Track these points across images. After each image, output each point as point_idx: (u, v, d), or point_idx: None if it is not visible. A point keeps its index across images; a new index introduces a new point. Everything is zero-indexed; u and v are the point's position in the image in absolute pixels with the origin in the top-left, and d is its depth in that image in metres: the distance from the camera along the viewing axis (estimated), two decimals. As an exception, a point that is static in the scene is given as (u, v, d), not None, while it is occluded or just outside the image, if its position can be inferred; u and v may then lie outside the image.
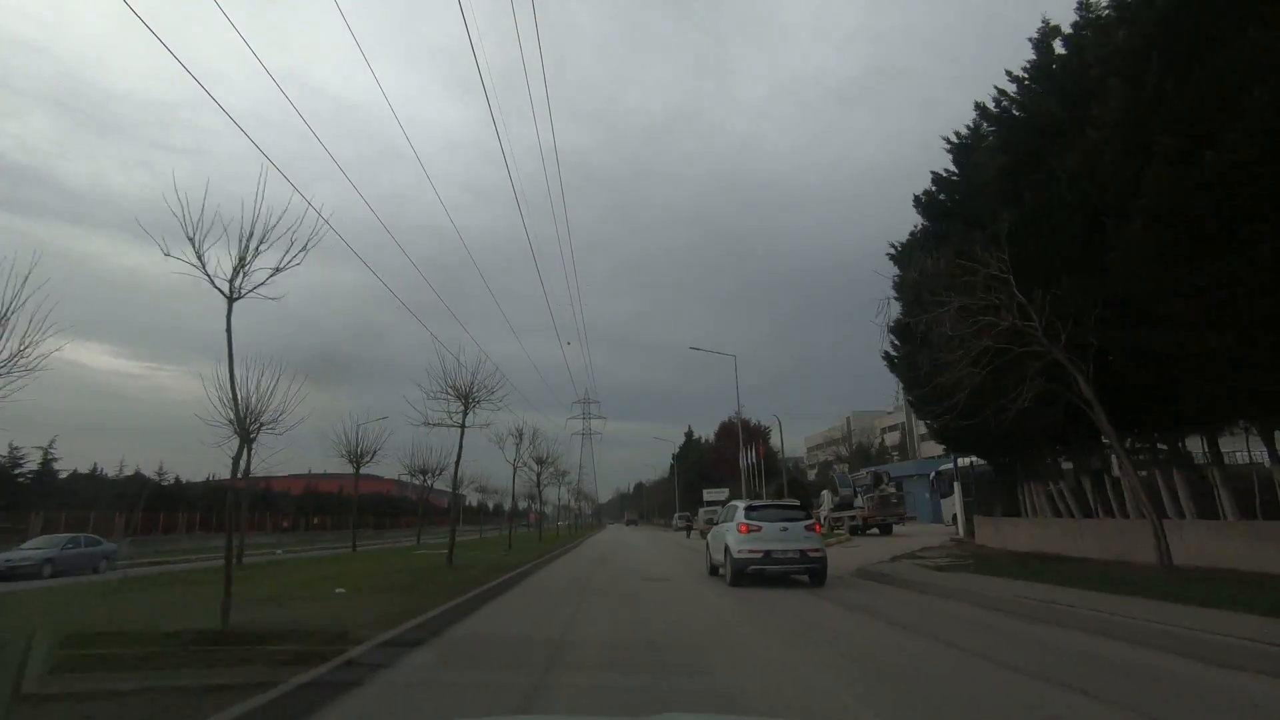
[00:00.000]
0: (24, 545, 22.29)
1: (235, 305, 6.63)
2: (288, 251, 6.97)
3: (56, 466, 45.47)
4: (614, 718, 4.16)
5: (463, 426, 14.54)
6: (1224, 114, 8.48)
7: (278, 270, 6.96)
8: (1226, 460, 12.52)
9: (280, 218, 7.04)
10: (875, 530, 28.83)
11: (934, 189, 17.76)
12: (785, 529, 12.03)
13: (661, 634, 7.83)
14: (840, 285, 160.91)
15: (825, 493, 33.83)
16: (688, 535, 44.07)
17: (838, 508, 30.81)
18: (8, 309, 6.67)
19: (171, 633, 5.84)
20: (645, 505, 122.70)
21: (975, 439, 16.02)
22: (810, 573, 12.20)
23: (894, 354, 18.66)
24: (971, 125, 17.78)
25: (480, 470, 46.95)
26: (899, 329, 17.75)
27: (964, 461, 21.84)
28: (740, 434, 40.67)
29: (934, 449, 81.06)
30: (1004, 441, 15.01)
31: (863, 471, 32.65)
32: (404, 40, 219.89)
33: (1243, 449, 14.50)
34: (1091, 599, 8.36)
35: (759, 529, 12.02)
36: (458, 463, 14.80)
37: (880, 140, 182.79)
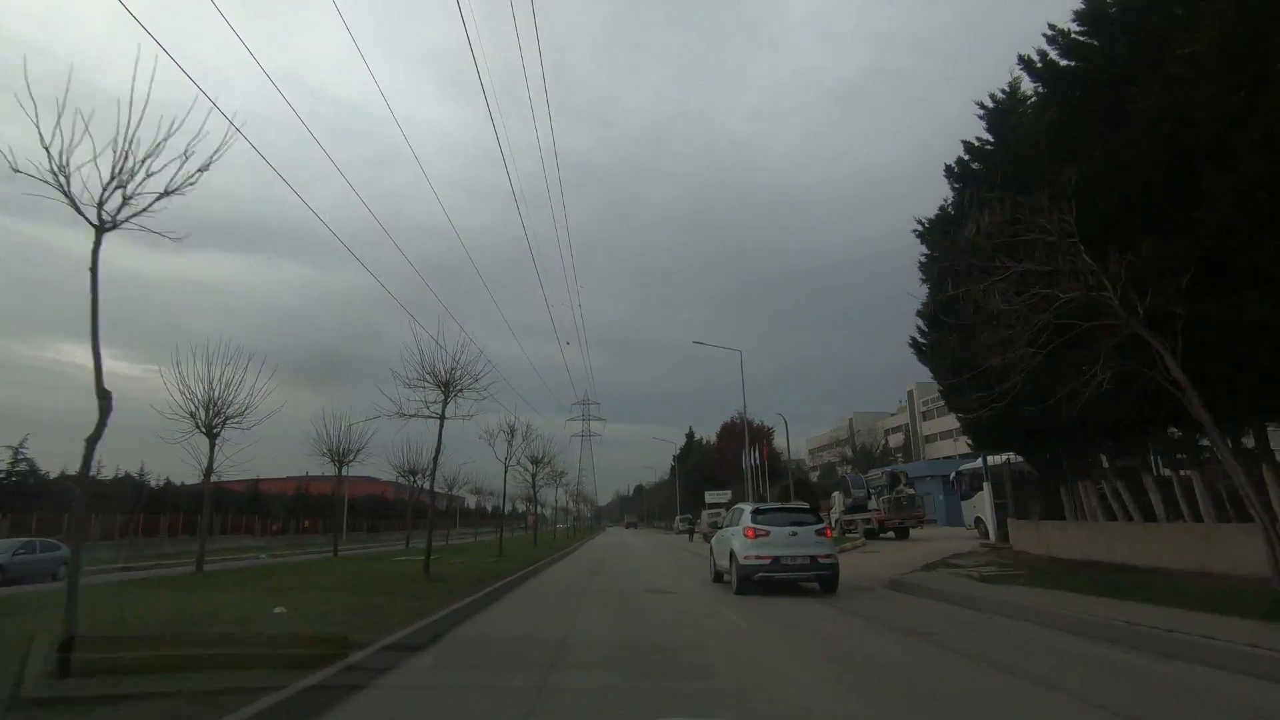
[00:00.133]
0: (-27, 550, 20.57)
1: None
2: (182, 168, 5.28)
3: (43, 467, 43.97)
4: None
5: (441, 417, 12.85)
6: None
7: (168, 193, 5.27)
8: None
9: (179, 123, 5.36)
10: (890, 534, 27.11)
11: (967, 158, 16.08)
12: (795, 533, 11.34)
13: (674, 669, 6.12)
14: (840, 285, 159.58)
15: (836, 494, 32.10)
16: (690, 539, 42.33)
17: (850, 510, 29.09)
18: None
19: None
20: (645, 508, 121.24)
21: (1018, 433, 14.30)
22: (821, 580, 11.44)
23: (922, 341, 16.96)
24: (1006, 90, 16.14)
25: (477, 471, 45.15)
26: (931, 311, 16.05)
27: (992, 460, 20.11)
28: (745, 432, 38.91)
29: (940, 449, 79.58)
30: (1056, 434, 13.30)
31: (877, 471, 30.91)
32: (403, 41, 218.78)
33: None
34: (1202, 623, 6.65)
35: (767, 533, 11.30)
36: (436, 458, 13.11)
37: (878, 140, 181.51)
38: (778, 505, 13.95)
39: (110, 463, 51.76)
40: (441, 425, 12.85)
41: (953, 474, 27.20)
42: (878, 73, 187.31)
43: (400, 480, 35.31)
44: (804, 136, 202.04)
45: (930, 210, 16.87)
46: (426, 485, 35.21)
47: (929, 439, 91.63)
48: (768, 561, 11.08)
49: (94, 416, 4.78)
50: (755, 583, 11.26)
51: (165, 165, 5.18)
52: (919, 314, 17.04)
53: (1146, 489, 12.78)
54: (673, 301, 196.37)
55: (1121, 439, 13.92)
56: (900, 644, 7.03)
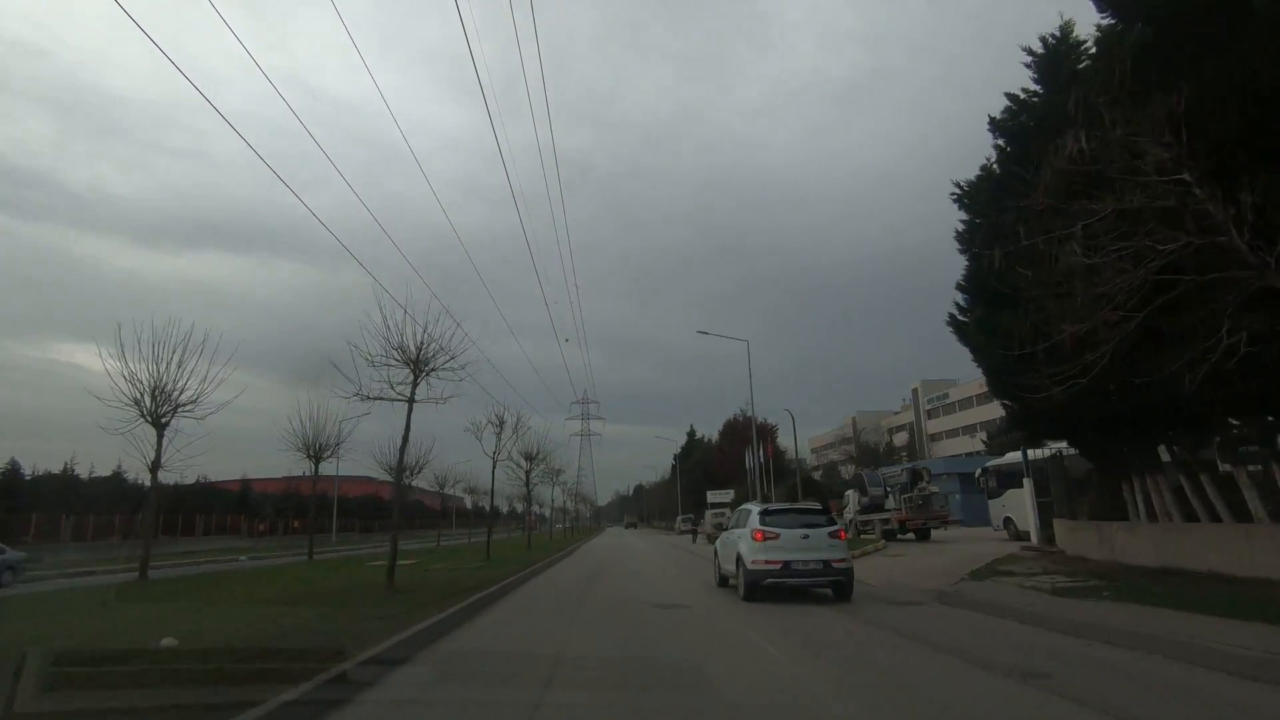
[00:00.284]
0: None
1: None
2: None
3: (40, 467, 42.53)
4: None
5: (410, 400, 10.92)
6: None
7: None
8: None
9: None
10: (910, 535, 25.19)
11: (1014, 109, 14.18)
12: (806, 536, 10.65)
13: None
14: (840, 284, 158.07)
15: (850, 493, 30.14)
16: (694, 540, 40.38)
17: (866, 510, 27.16)
18: None
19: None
20: (645, 507, 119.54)
21: (1089, 420, 12.37)
22: (835, 586, 10.76)
23: (962, 318, 15.04)
24: (1056, 35, 14.25)
25: (471, 469, 43.14)
26: (974, 283, 14.16)
27: (1032, 454, 18.18)
28: (753, 428, 37.03)
29: (946, 448, 77.76)
30: (1130, 421, 11.39)
31: (896, 468, 28.97)
32: (403, 42, 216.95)
33: None
34: None
35: (776, 536, 10.62)
36: (403, 449, 11.14)
37: (878, 139, 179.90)
38: (787, 505, 12.86)
39: (106, 462, 50.33)
40: (410, 410, 10.92)
41: (978, 471, 25.27)
42: (876, 72, 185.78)
43: (389, 478, 33.23)
44: (804, 135, 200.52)
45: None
46: (413, 482, 33.45)
47: (933, 437, 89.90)
48: (778, 566, 10.40)
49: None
50: (764, 589, 10.54)
51: None
52: (959, 287, 15.15)
53: (1239, 485, 10.85)
54: (672, 301, 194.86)
55: (1198, 427, 12.03)
56: (1016, 697, 5.08)
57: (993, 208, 13.56)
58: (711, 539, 25.62)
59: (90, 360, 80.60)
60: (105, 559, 29.57)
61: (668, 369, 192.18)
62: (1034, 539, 17.04)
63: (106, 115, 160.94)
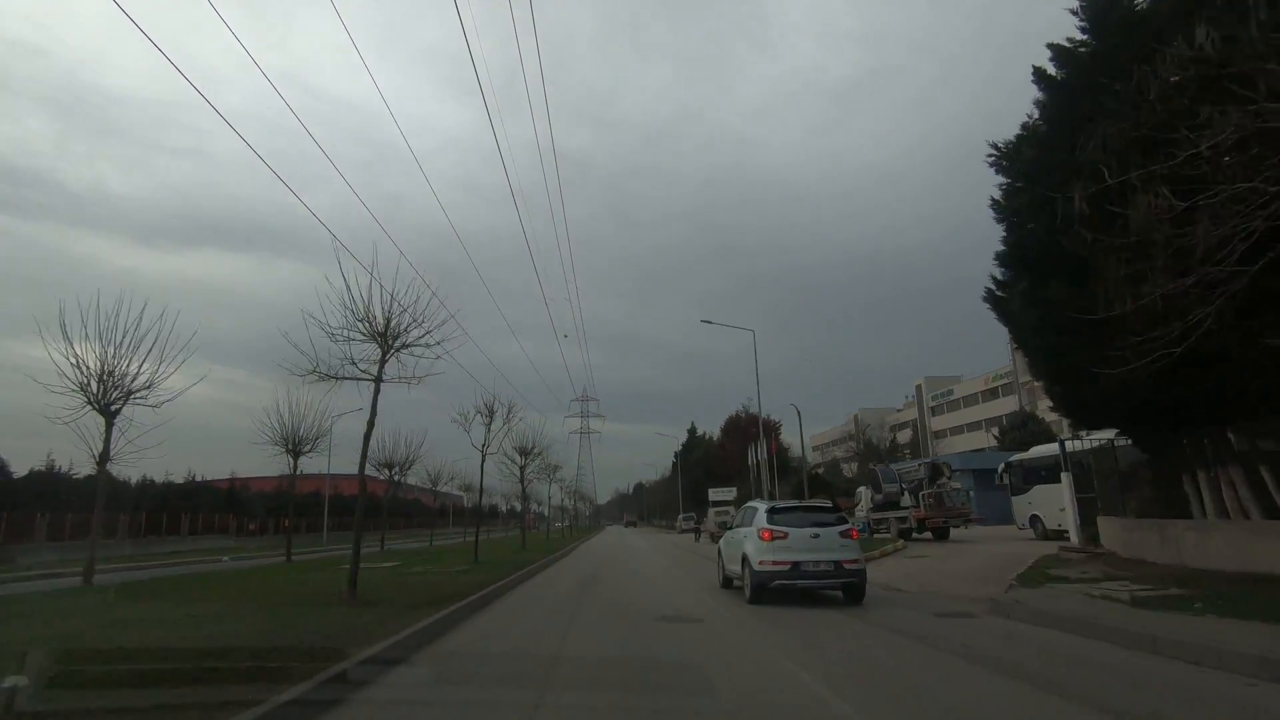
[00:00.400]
0: None
1: None
2: None
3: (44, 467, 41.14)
4: None
5: (378, 380, 9.43)
6: None
7: None
8: None
9: None
10: (928, 534, 23.70)
11: (1061, 59, 12.65)
12: (816, 535, 10.16)
13: None
14: (840, 283, 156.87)
15: (863, 489, 28.62)
16: (697, 538, 38.88)
17: (880, 507, 25.65)
18: None
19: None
20: (645, 506, 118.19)
21: (1160, 404, 10.85)
22: (847, 588, 10.29)
23: (1000, 294, 13.53)
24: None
25: (468, 466, 41.50)
26: (1016, 251, 12.67)
27: (1070, 445, 16.67)
28: (759, 422, 35.53)
29: (953, 445, 76.21)
30: (1216, 401, 9.88)
31: (914, 463, 27.43)
32: (402, 41, 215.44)
33: None
34: None
35: (784, 535, 10.12)
36: (368, 436, 9.61)
37: (877, 138, 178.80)
38: (796, 503, 12.01)
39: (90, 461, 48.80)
40: (377, 391, 9.42)
41: (1000, 466, 23.76)
42: (876, 72, 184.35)
43: (377, 474, 31.73)
44: (803, 135, 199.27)
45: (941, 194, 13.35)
46: (402, 479, 31.96)
47: (938, 434, 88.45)
48: (786, 567, 9.92)
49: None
50: (771, 591, 10.09)
51: None
52: (997, 258, 13.65)
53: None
54: (672, 299, 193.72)
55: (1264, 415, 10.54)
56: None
57: (1038, 166, 12.05)
58: (715, 538, 24.23)
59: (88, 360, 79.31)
60: (79, 559, 28.09)
61: (667, 368, 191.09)
62: (1074, 539, 15.56)
63: (106, 115, 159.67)
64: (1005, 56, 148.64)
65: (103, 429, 13.36)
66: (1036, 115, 13.17)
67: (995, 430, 57.20)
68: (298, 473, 23.10)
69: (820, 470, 76.82)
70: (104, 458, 13.54)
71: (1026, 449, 38.91)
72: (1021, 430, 43.71)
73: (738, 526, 11.95)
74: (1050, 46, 13.12)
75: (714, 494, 53.74)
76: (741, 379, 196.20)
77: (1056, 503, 20.76)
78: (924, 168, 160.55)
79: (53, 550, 33.36)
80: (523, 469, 25.61)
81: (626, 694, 4.96)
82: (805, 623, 8.66)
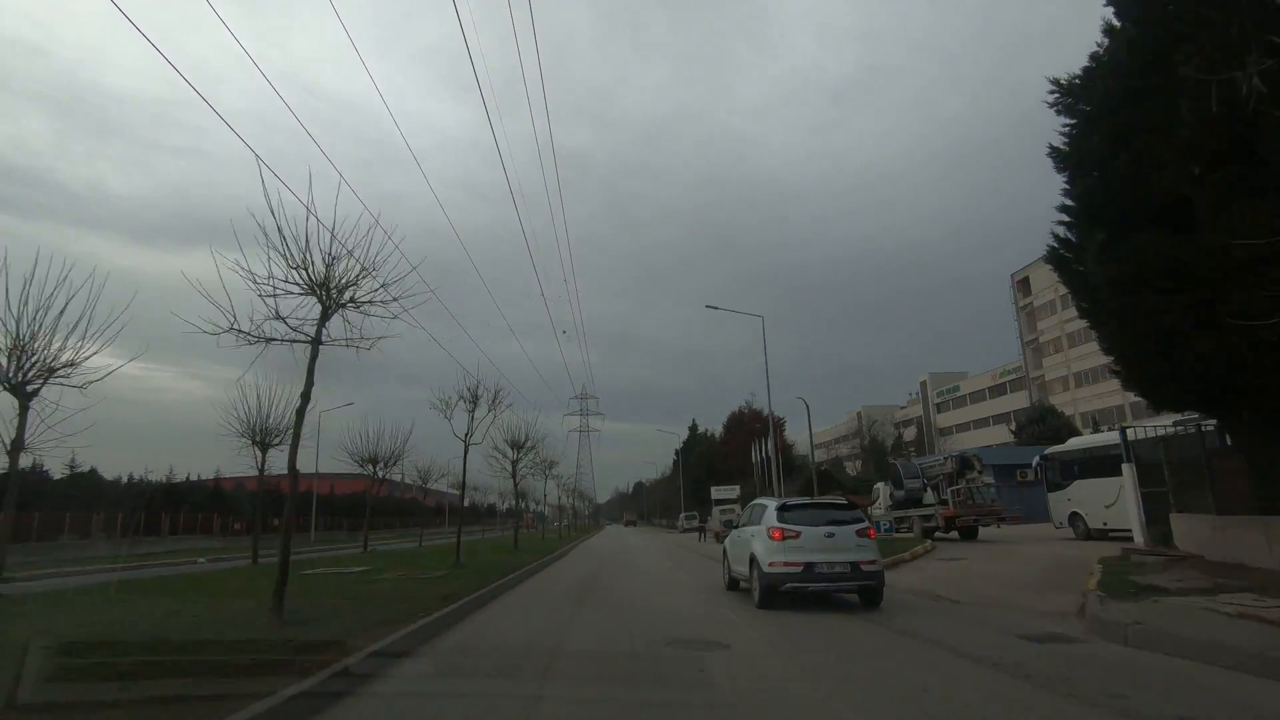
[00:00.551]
0: None
1: None
2: None
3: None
4: None
5: (316, 342, 7.49)
6: None
7: None
8: None
9: None
10: (954, 534, 21.79)
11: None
12: (831, 535, 9.52)
13: None
14: (840, 282, 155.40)
15: (881, 485, 26.69)
16: (701, 538, 36.94)
17: (900, 504, 23.72)
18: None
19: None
20: (645, 505, 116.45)
21: (1247, 378, 8.93)
22: (864, 591, 9.62)
23: (1064, 252, 11.63)
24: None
25: (461, 464, 39.49)
26: (1090, 200, 10.75)
27: (1131, 434, 14.73)
28: (770, 416, 33.62)
29: (961, 441, 74.36)
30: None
31: (939, 457, 25.48)
32: (401, 39, 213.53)
33: None
34: None
35: (796, 535, 9.51)
36: (301, 412, 7.59)
37: (877, 137, 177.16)
38: (808, 500, 11.37)
39: (103, 465, 47.35)
40: (315, 355, 7.48)
41: (1035, 460, 21.82)
42: (876, 70, 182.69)
43: (362, 471, 29.83)
44: (803, 133, 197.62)
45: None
46: (387, 475, 30.02)
47: (943, 431, 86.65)
48: (798, 569, 9.27)
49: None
50: (782, 594, 9.46)
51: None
52: (1063, 210, 11.75)
53: None
54: (671, 298, 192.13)
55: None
56: None
57: (1123, 96, 10.11)
58: (720, 538, 22.57)
59: (89, 360, 78.52)
60: (48, 561, 26.19)
61: (667, 366, 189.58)
62: (1139, 539, 13.64)
63: (105, 114, 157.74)
64: (1005, 56, 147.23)
65: (17, 410, 11.46)
66: (1107, 43, 11.29)
67: (1012, 425, 55.29)
68: (265, 468, 21.08)
69: (824, 468, 74.95)
70: (17, 445, 11.58)
71: (1046, 443, 37.00)
72: (1040, 424, 41.81)
73: (744, 525, 11.24)
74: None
75: (716, 492, 51.97)
76: (742, 377, 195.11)
77: (1102, 498, 18.90)
78: (924, 167, 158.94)
79: (19, 553, 31.46)
80: (515, 463, 23.67)
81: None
82: (849, 646, 6.77)
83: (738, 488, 52.62)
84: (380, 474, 28.71)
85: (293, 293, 7.66)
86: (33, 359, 11.29)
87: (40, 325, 11.04)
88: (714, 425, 79.73)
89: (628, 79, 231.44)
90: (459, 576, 12.29)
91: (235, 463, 19.90)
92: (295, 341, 7.60)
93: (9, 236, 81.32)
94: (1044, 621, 8.03)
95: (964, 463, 21.30)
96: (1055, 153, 12.04)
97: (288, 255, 7.43)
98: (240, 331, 7.15)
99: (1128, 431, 14.01)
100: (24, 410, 11.49)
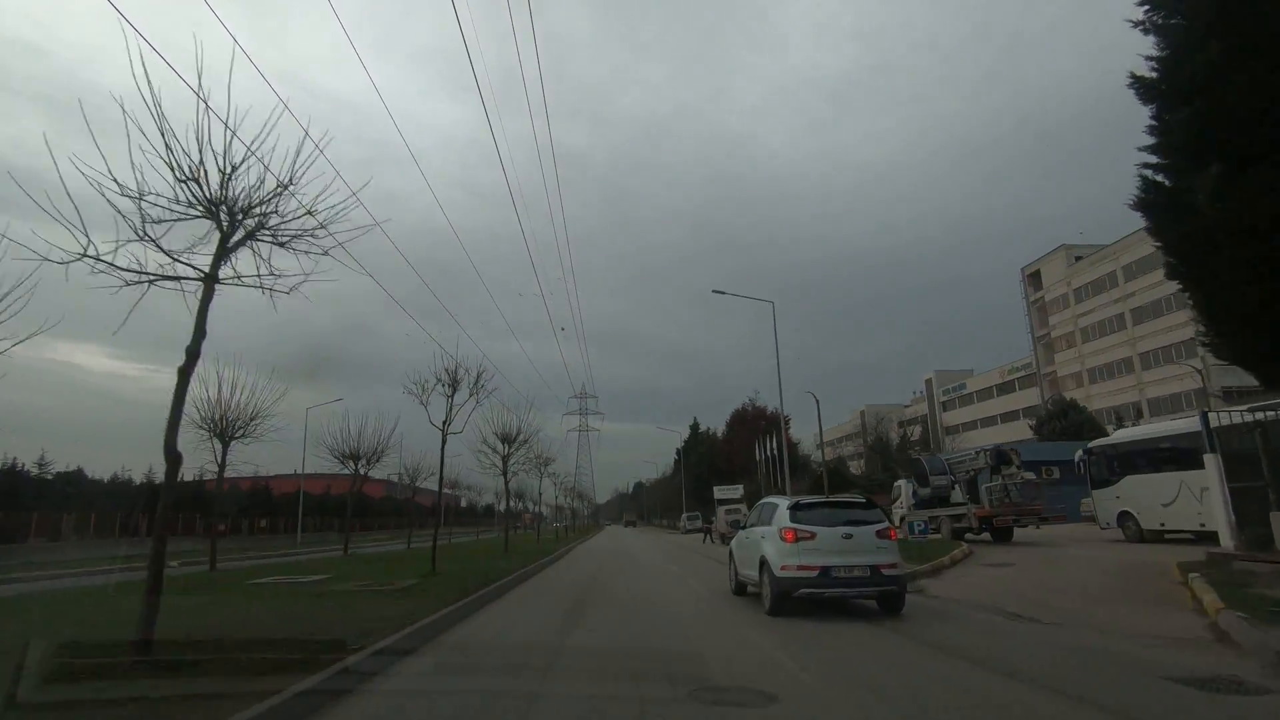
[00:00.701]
0: None
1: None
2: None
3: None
4: None
5: (211, 279, 5.54)
6: None
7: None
8: None
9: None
10: (986, 535, 19.84)
11: None
12: (849, 536, 8.64)
13: None
14: (839, 281, 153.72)
15: (902, 483, 24.68)
16: (707, 539, 34.91)
17: (926, 503, 21.73)
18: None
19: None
20: (645, 505, 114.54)
21: None
22: (884, 598, 8.77)
23: (1152, 194, 9.68)
24: None
25: (457, 463, 37.41)
26: (1187, 133, 8.80)
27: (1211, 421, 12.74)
28: (780, 412, 31.68)
29: (971, 440, 72.33)
30: None
31: (969, 451, 23.46)
32: (399, 38, 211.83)
33: None
34: None
35: (811, 536, 8.65)
36: (185, 376, 5.54)
37: (876, 136, 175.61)
38: (823, 499, 10.42)
39: (99, 464, 45.61)
40: (208, 297, 5.53)
41: (1078, 453, 19.85)
42: (875, 69, 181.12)
43: (343, 469, 27.85)
44: (801, 132, 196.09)
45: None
46: (368, 472, 28.04)
47: (949, 430, 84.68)
48: (813, 573, 8.54)
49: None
50: (796, 601, 8.71)
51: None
52: (1155, 150, 9.82)
53: None
54: (670, 297, 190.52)
55: None
56: None
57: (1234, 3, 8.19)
58: (727, 539, 20.69)
59: (87, 360, 77.43)
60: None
61: (666, 366, 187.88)
62: (1226, 542, 11.70)
63: (105, 114, 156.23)
64: (1004, 54, 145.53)
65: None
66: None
67: (1031, 421, 53.35)
68: (296, 473, 19.17)
69: (830, 467, 72.89)
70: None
71: (1069, 439, 35.01)
72: (1062, 420, 39.84)
73: (752, 526, 10.48)
74: None
75: (719, 492, 49.96)
76: (742, 377, 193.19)
77: (1158, 496, 16.95)
78: (924, 165, 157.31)
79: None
80: (505, 459, 21.71)
81: None
82: (939, 693, 4.81)
83: (741, 487, 50.81)
84: (363, 471, 26.74)
85: (188, 216, 5.74)
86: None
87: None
88: (716, 423, 77.93)
89: (626, 78, 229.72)
90: (427, 588, 10.32)
91: (194, 456, 17.75)
92: (183, 279, 5.65)
93: (8, 237, 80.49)
94: (1178, 653, 6.10)
95: (1000, 456, 19.32)
96: (1139, 83, 10.11)
97: (173, 164, 5.50)
98: (98, 259, 5.17)
99: (1210, 417, 12.03)
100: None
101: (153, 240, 5.25)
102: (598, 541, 41.84)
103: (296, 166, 5.86)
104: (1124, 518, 17.91)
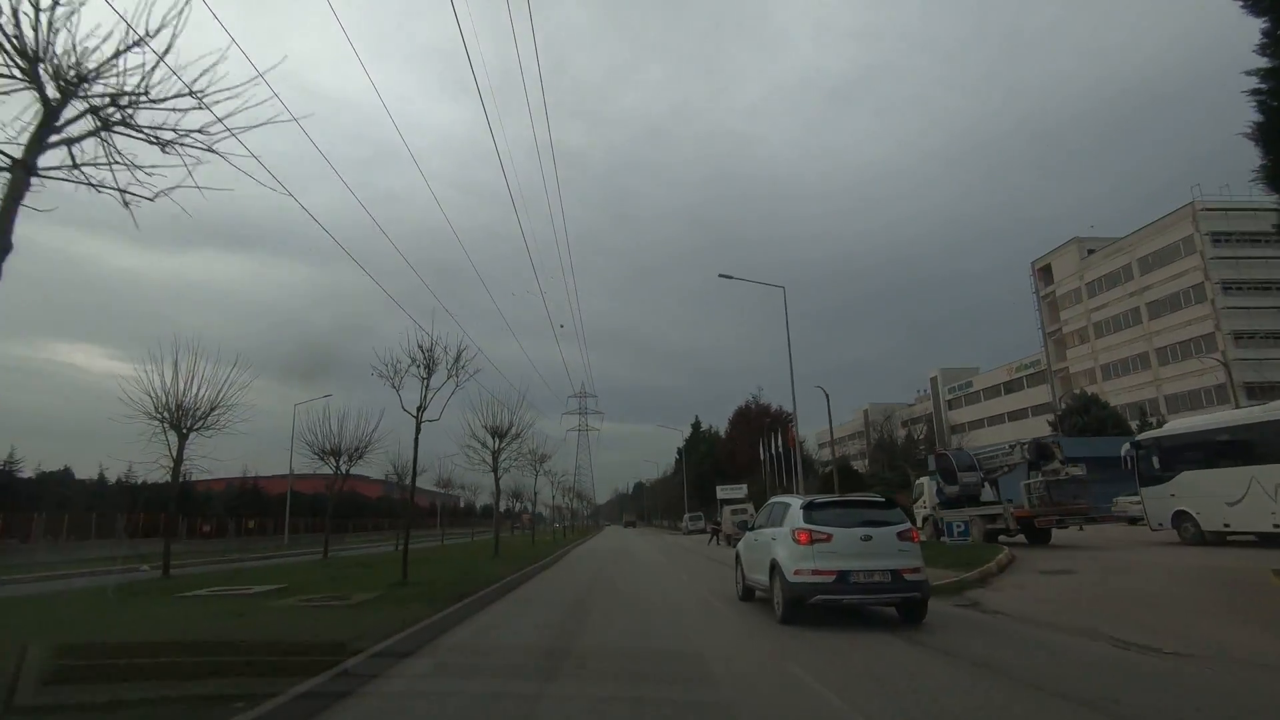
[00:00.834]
0: None
1: None
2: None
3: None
4: None
5: (26, 169, 3.78)
6: None
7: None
8: None
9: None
10: (1021, 536, 18.09)
11: None
12: (868, 537, 8.02)
13: None
14: (839, 280, 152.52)
15: (924, 480, 22.87)
16: (713, 541, 33.07)
17: (952, 503, 19.94)
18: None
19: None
20: (646, 505, 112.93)
21: None
22: (906, 605, 8.10)
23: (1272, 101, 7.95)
24: None
25: (452, 463, 35.55)
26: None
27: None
28: (791, 400, 29.91)
29: (979, 438, 70.58)
30: None
31: (1002, 445, 21.64)
32: (398, 38, 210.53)
33: None
34: None
35: (826, 538, 8.05)
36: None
37: (876, 136, 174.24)
38: (839, 498, 9.73)
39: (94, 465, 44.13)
40: (21, 186, 3.78)
41: (1125, 447, 18.01)
42: (874, 68, 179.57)
43: (323, 462, 26.05)
44: (801, 132, 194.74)
45: None
46: (351, 470, 26.26)
47: (955, 429, 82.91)
48: (830, 578, 7.80)
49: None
50: (809, 608, 7.93)
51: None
52: (1264, 74, 8.08)
53: None
54: (669, 296, 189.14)
55: None
56: None
57: None
58: (733, 541, 19.05)
59: (88, 360, 76.24)
60: None
61: (666, 365, 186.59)
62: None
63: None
64: (1004, 54, 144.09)
65: None
66: None
67: (1049, 416, 51.60)
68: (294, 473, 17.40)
69: (827, 467, 71.20)
70: None
71: (1090, 436, 33.18)
72: (1084, 415, 38.07)
73: (761, 527, 9.87)
74: None
75: (722, 492, 48.46)
76: (742, 377, 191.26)
77: (1221, 494, 15.20)
78: (923, 164, 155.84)
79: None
80: (496, 454, 19.95)
81: None
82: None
83: (744, 487, 49.24)
84: (345, 469, 24.95)
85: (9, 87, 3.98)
86: None
87: None
88: (717, 423, 76.27)
89: (626, 77, 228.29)
90: (401, 598, 8.57)
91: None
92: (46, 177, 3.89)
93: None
94: None
95: (1041, 451, 17.51)
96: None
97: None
98: None
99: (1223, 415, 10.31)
100: None
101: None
102: (598, 543, 40.08)
103: (167, 16, 4.12)
104: (1180, 518, 16.14)
